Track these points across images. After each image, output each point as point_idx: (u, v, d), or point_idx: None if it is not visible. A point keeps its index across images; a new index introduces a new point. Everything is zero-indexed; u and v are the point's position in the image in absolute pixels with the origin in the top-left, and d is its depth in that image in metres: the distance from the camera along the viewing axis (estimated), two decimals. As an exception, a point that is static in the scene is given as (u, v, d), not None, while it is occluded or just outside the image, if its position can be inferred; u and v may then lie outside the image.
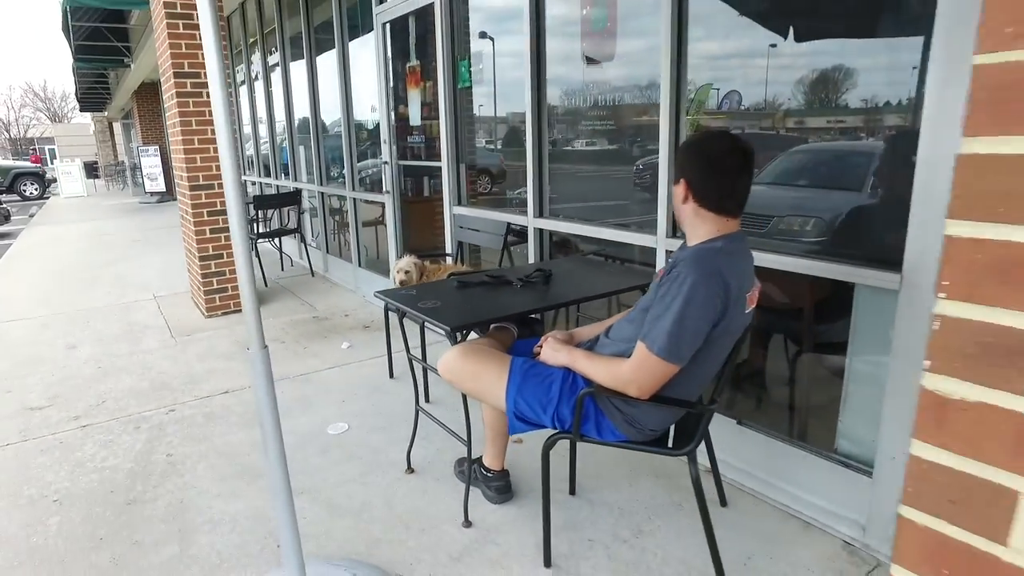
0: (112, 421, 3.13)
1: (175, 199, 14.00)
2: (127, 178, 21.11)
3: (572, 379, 1.82)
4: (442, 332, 2.16)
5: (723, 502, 2.30)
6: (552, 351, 1.87)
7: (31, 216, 14.35)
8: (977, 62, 0.52)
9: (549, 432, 1.89)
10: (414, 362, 2.62)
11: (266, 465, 1.67)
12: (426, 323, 2.39)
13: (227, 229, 4.92)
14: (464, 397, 2.20)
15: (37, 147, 44.89)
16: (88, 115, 30.01)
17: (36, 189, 21.11)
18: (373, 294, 2.73)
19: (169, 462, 2.71)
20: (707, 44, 2.52)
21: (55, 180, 21.46)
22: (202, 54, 4.62)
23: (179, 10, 4.51)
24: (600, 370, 1.72)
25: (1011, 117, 0.51)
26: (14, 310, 5.42)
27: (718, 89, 2.52)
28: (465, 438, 2.24)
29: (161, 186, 15.63)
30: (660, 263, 2.64)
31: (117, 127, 26.68)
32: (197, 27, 4.55)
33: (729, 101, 2.50)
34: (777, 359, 2.62)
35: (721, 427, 2.44)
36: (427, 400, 3.22)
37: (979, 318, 0.56)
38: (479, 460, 2.36)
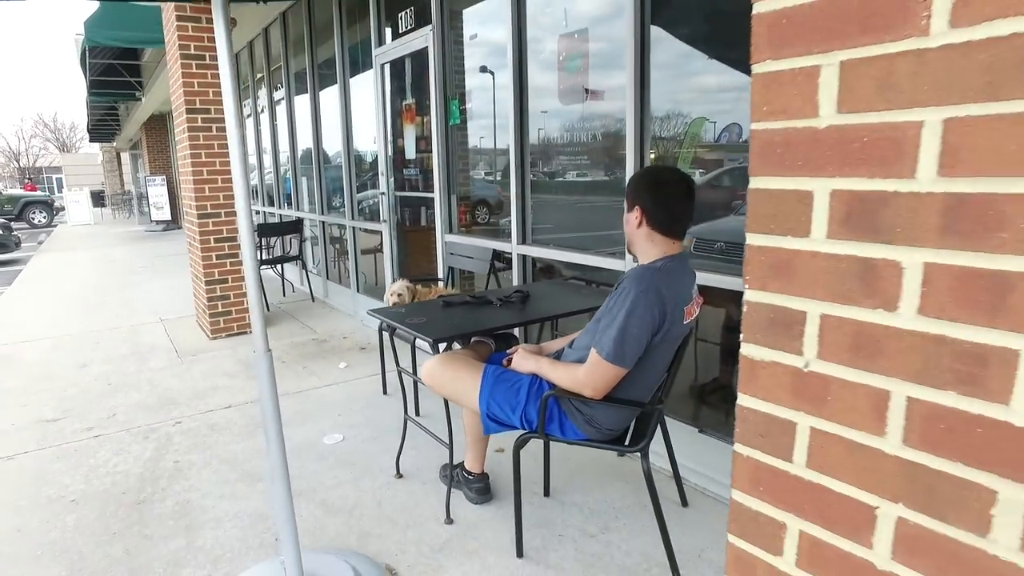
0: (122, 432, 3.35)
1: (180, 228, 14.33)
2: (133, 207, 21.55)
3: (538, 384, 2.05)
4: (428, 347, 2.40)
5: (684, 503, 2.51)
6: (521, 359, 2.10)
7: (40, 243, 14.69)
8: (751, 128, 0.78)
9: (520, 433, 2.12)
10: (403, 375, 2.86)
11: (267, 457, 1.89)
12: (416, 340, 2.62)
13: (232, 255, 5.19)
14: (447, 407, 2.44)
15: (45, 176, 45.70)
16: (96, 145, 30.68)
17: (44, 217, 21.58)
18: (366, 312, 2.97)
19: (176, 468, 2.93)
20: (705, 78, 2.63)
21: (63, 208, 21.90)
22: (212, 91, 4.96)
23: (192, 51, 4.85)
24: (561, 375, 1.96)
25: (770, 164, 0.76)
26: (26, 332, 5.66)
27: (715, 123, 2.58)
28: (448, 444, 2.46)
29: (167, 215, 15.99)
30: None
31: (125, 157, 27.23)
32: (209, 67, 4.90)
33: (729, 133, 2.54)
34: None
35: (683, 434, 2.66)
36: (417, 413, 3.44)
37: (767, 301, 0.81)
38: (461, 464, 2.57)
